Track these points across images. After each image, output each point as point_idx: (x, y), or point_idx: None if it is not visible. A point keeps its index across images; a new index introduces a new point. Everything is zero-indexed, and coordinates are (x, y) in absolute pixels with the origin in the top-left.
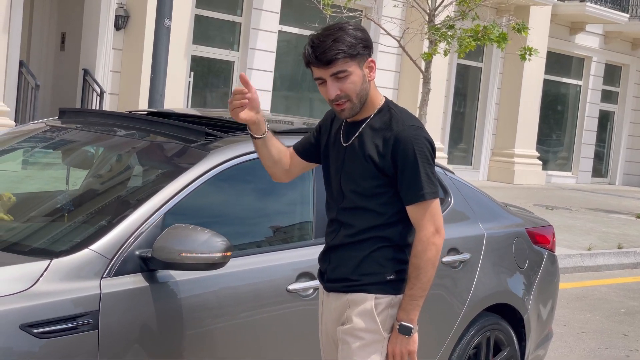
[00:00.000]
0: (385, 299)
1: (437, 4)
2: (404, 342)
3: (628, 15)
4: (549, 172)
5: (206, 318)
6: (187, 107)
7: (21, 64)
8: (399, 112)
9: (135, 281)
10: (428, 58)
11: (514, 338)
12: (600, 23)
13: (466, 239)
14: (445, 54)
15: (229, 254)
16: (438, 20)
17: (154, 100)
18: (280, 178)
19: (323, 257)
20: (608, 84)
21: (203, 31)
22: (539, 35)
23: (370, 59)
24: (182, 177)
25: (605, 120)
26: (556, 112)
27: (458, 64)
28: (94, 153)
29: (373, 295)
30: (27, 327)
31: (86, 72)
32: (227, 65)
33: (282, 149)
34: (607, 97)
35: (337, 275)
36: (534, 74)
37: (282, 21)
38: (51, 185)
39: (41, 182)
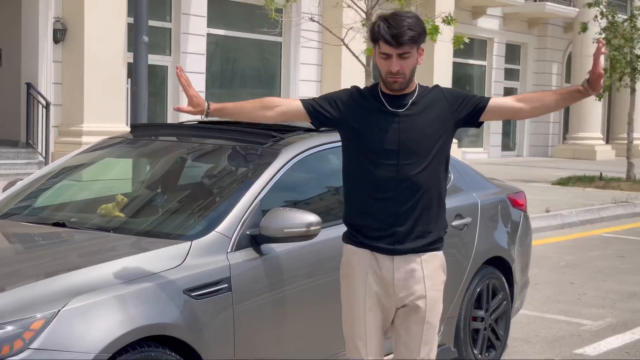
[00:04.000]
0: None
1: (373, 3)
2: None
3: None
4: (464, 149)
5: (300, 277)
6: (126, 110)
7: None
8: (443, 87)
9: (249, 253)
10: (369, 53)
11: (505, 284)
12: (499, 6)
13: (466, 206)
14: None
15: (319, 227)
16: (374, 18)
17: (139, 110)
18: (267, 121)
19: (391, 222)
20: (509, 62)
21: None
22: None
23: (422, 48)
24: (267, 171)
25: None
26: None
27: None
28: (182, 158)
29: (441, 252)
30: (187, 291)
31: (29, 85)
32: (162, 70)
33: (246, 107)
34: (510, 75)
35: (413, 237)
36: (444, 57)
37: (210, 24)
38: (146, 186)
39: (138, 184)
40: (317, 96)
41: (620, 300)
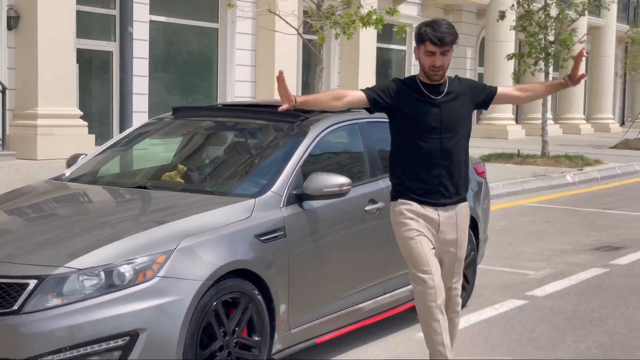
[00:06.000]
0: None
1: None
2: None
3: None
4: None
5: (335, 225)
6: (77, 94)
7: None
8: (463, 78)
9: (295, 208)
10: (322, 42)
11: (473, 237)
12: None
13: None
14: (336, 38)
15: (350, 187)
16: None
17: (125, 94)
18: (337, 109)
19: (437, 182)
20: None
21: (84, 25)
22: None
23: (453, 48)
24: (304, 143)
25: None
26: (387, 76)
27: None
28: (225, 134)
29: (467, 202)
30: (257, 236)
31: None
32: (107, 56)
33: (323, 98)
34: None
35: (452, 193)
36: (369, 43)
37: (152, 11)
38: (195, 158)
39: (188, 157)
40: (373, 86)
41: (554, 255)
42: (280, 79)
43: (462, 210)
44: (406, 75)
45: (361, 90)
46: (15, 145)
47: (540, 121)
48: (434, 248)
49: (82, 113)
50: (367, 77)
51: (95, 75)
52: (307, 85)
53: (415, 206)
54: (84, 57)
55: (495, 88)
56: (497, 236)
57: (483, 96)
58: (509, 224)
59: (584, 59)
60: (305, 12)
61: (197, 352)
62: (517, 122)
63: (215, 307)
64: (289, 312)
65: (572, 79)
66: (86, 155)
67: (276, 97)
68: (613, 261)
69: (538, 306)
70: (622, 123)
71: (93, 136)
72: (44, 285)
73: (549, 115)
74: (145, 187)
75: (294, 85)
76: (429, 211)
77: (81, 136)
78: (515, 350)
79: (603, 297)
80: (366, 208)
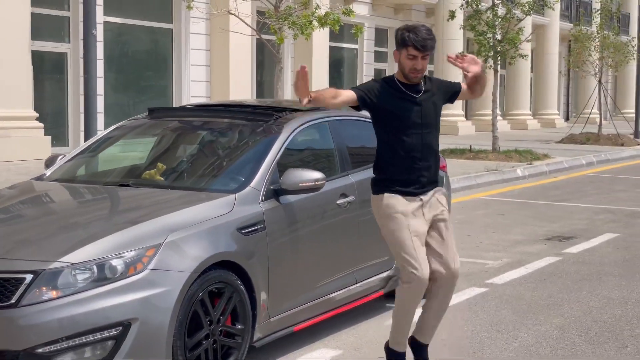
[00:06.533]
0: None
1: None
2: None
3: None
4: None
5: (309, 218)
6: (32, 96)
7: None
8: (431, 77)
9: (272, 203)
10: (280, 42)
11: None
12: None
13: None
14: (295, 38)
15: (324, 182)
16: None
17: (90, 94)
18: (335, 107)
19: (419, 174)
20: (378, 45)
21: (38, 27)
22: (324, 9)
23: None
24: (279, 140)
25: (378, 77)
26: (340, 74)
27: (258, 39)
28: (202, 133)
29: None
30: (239, 230)
31: None
32: (61, 57)
33: (327, 96)
34: (379, 57)
35: (431, 181)
36: (321, 42)
37: (106, 12)
38: (173, 156)
39: (166, 156)
40: (359, 85)
41: (510, 246)
42: (303, 73)
43: (442, 193)
44: (357, 75)
45: (351, 89)
46: None
47: (489, 117)
48: (423, 242)
49: (37, 115)
50: (321, 76)
51: (49, 77)
52: (262, 84)
53: (401, 199)
54: (37, 59)
55: (459, 84)
56: (455, 228)
57: (450, 93)
58: (465, 216)
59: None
60: (259, 12)
61: (185, 340)
62: (466, 118)
63: (201, 297)
64: (269, 302)
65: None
66: (64, 155)
67: (232, 96)
68: (565, 250)
69: (498, 293)
70: (567, 118)
71: (49, 138)
72: (40, 279)
73: (498, 111)
74: (127, 185)
75: (248, 84)
76: (412, 199)
77: (38, 138)
78: (480, 334)
79: (558, 284)
80: (338, 202)
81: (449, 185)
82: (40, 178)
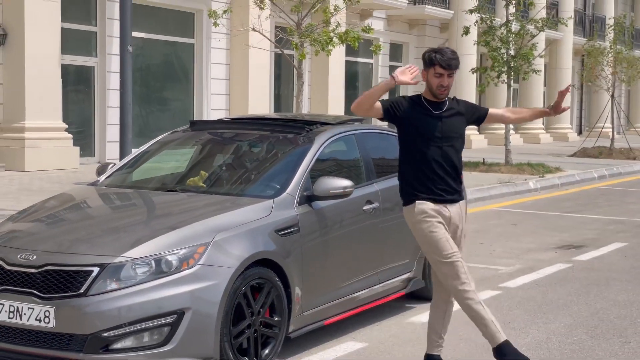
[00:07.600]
0: None
1: (303, 15)
2: None
3: (407, 1)
4: None
5: (338, 222)
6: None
7: None
8: (460, 99)
9: (306, 207)
10: (302, 58)
11: None
12: (384, 9)
13: None
14: (316, 54)
15: (352, 189)
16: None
17: (125, 107)
18: (370, 115)
19: (438, 183)
20: (393, 60)
21: (67, 41)
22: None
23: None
24: (311, 151)
25: (393, 91)
26: (355, 88)
27: (276, 54)
28: (238, 143)
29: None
30: (276, 232)
31: None
32: (89, 70)
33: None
34: (393, 71)
35: (454, 191)
36: (338, 56)
37: (132, 28)
38: (213, 165)
39: (207, 164)
40: (387, 99)
41: (522, 253)
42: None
43: (463, 205)
44: (372, 85)
45: (379, 101)
46: (4, 157)
47: (501, 131)
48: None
49: (67, 126)
50: (337, 90)
51: (77, 90)
52: (279, 98)
53: (431, 205)
54: (66, 72)
55: (486, 110)
56: (469, 237)
57: (476, 116)
58: (479, 226)
59: (569, 90)
60: (277, 27)
61: (230, 328)
62: (479, 132)
63: (244, 290)
64: (302, 297)
65: (555, 109)
66: (115, 164)
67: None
68: (575, 257)
69: (511, 295)
70: (580, 132)
71: (77, 148)
72: (105, 272)
73: (510, 125)
74: (175, 191)
75: (267, 97)
76: (441, 207)
77: (67, 148)
78: None
79: (567, 287)
80: (364, 208)
81: (465, 195)
82: (94, 184)
